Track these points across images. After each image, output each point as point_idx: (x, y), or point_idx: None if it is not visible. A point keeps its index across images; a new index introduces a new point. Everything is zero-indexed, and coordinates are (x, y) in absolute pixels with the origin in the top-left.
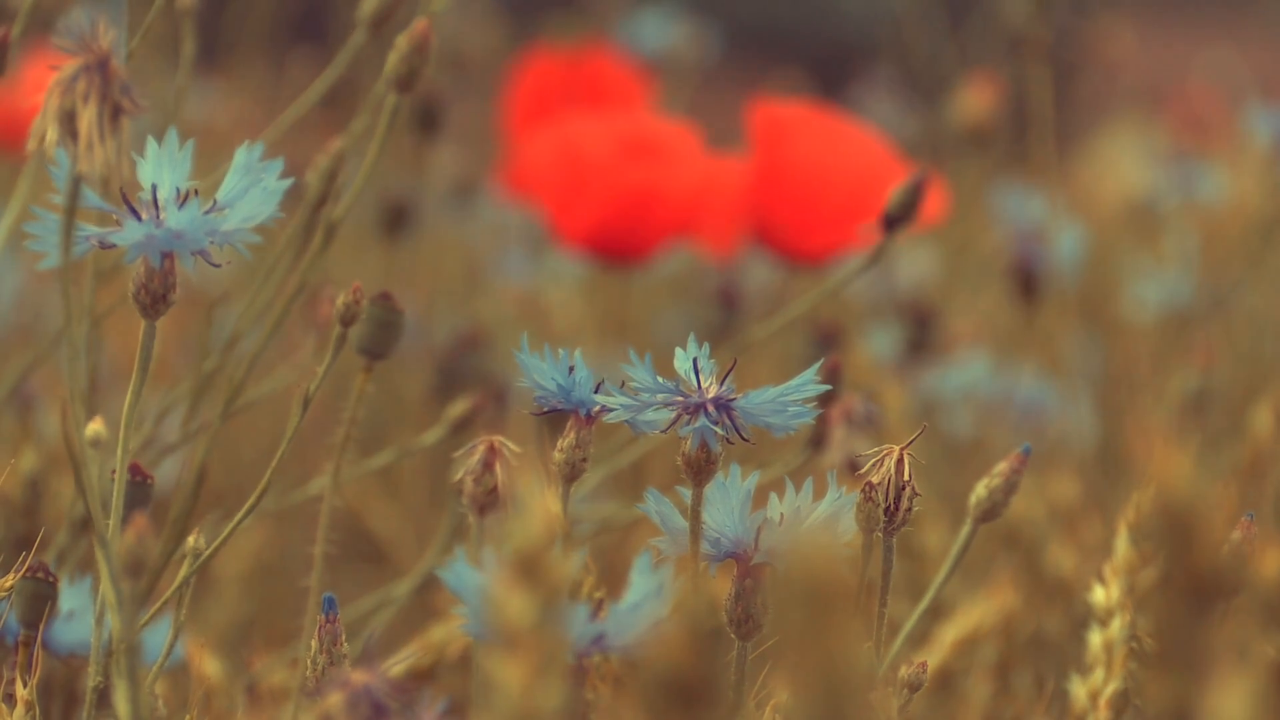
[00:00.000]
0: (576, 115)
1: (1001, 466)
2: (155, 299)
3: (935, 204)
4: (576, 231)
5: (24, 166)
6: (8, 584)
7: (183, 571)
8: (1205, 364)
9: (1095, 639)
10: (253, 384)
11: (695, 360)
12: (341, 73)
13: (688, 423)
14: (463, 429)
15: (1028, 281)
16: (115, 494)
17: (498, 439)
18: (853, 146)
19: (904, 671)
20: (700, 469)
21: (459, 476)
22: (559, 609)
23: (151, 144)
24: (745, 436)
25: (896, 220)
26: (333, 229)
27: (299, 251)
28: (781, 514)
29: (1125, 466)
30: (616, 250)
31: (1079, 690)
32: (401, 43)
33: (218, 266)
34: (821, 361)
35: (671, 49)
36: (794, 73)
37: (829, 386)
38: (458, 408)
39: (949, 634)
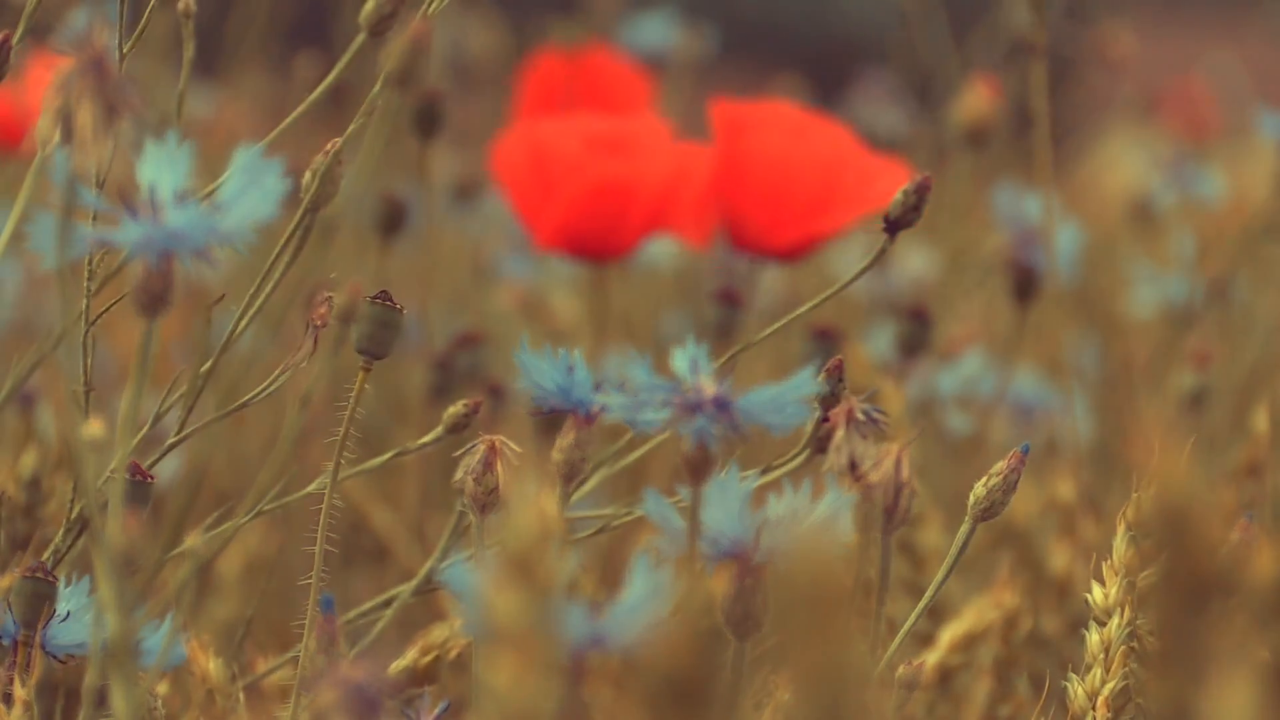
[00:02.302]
0: (561, 116)
1: (1000, 465)
2: (154, 299)
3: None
4: (549, 230)
5: (26, 167)
6: (6, 584)
7: (181, 572)
8: (1201, 363)
9: (1094, 638)
10: (252, 384)
11: (694, 359)
12: (344, 76)
13: (686, 422)
14: (460, 429)
15: (1025, 281)
16: (112, 493)
17: (499, 438)
18: (817, 139)
19: (902, 671)
20: (699, 468)
21: (460, 476)
22: (551, 609)
23: (151, 144)
24: (744, 436)
25: (899, 222)
26: (330, 228)
27: (298, 252)
28: (780, 514)
29: (1121, 465)
30: (590, 247)
31: (1077, 690)
32: (399, 42)
33: (216, 267)
34: (820, 360)
35: (673, 49)
36: (794, 71)
37: (827, 385)
38: (455, 409)
39: (947, 634)
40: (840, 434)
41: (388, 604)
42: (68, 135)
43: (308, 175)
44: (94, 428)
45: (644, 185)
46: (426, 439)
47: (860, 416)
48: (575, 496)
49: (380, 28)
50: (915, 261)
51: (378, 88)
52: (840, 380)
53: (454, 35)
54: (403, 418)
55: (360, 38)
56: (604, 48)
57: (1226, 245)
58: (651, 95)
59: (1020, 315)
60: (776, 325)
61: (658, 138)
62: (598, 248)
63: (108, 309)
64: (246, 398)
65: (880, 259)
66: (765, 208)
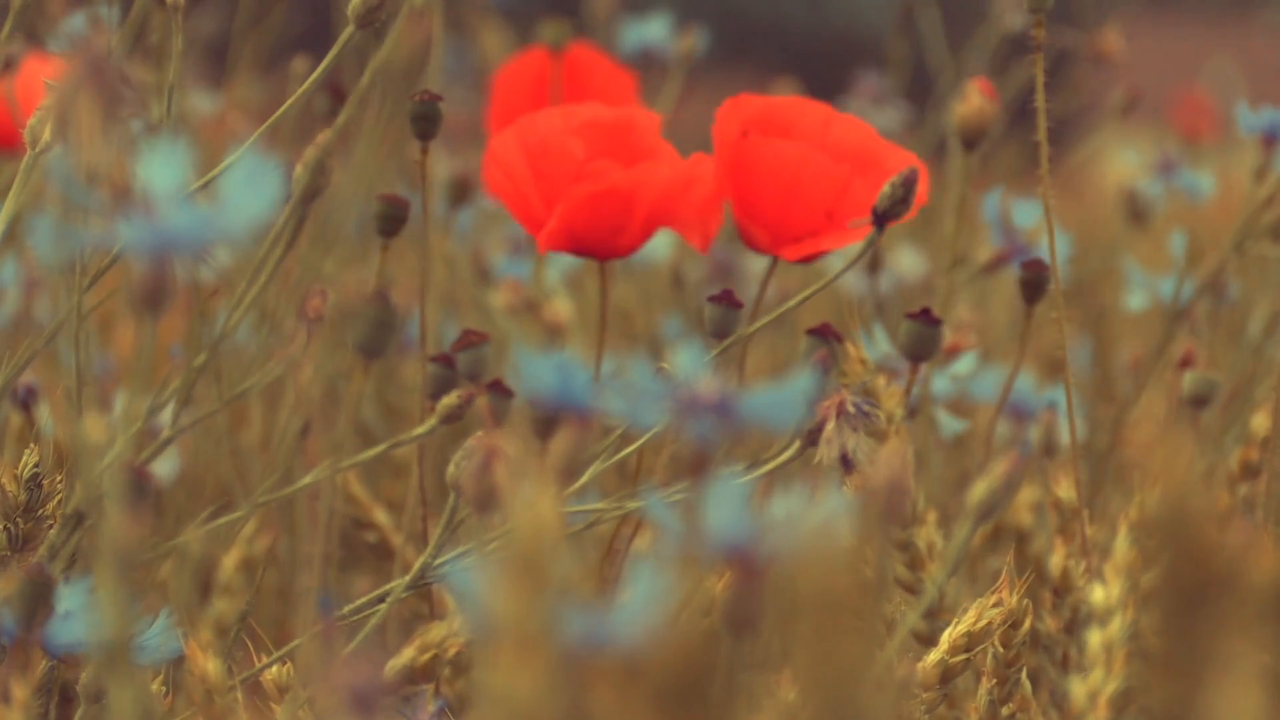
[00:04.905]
0: (544, 110)
1: (1001, 466)
2: (151, 299)
3: (920, 194)
4: (548, 232)
5: (21, 164)
6: (6, 583)
7: (183, 571)
8: (1186, 363)
9: (1095, 639)
10: (247, 378)
11: (693, 358)
12: (343, 78)
13: (685, 420)
14: (454, 420)
15: (1035, 281)
16: (109, 489)
17: (498, 436)
18: (836, 137)
19: (902, 671)
20: (698, 467)
21: (452, 471)
22: (549, 608)
23: (149, 144)
24: (743, 434)
25: (887, 214)
26: (333, 234)
27: (289, 246)
28: (780, 514)
29: (1113, 464)
30: (591, 248)
31: (1078, 690)
32: (397, 40)
33: (213, 267)
34: (818, 358)
35: (664, 48)
36: (790, 71)
37: (826, 383)
38: (449, 399)
39: (947, 634)
40: (831, 426)
41: (383, 599)
42: (65, 134)
43: (298, 168)
44: (93, 425)
45: (647, 189)
46: (421, 430)
47: (851, 409)
48: (567, 492)
49: (368, 19)
50: (907, 263)
51: (366, 78)
52: (829, 373)
53: (450, 35)
54: (404, 419)
55: (349, 30)
56: (589, 45)
57: (1220, 244)
58: (638, 93)
59: (1026, 315)
60: (764, 320)
61: (652, 126)
62: (599, 249)
63: (99, 304)
64: (242, 387)
65: (868, 249)
66: (777, 211)
